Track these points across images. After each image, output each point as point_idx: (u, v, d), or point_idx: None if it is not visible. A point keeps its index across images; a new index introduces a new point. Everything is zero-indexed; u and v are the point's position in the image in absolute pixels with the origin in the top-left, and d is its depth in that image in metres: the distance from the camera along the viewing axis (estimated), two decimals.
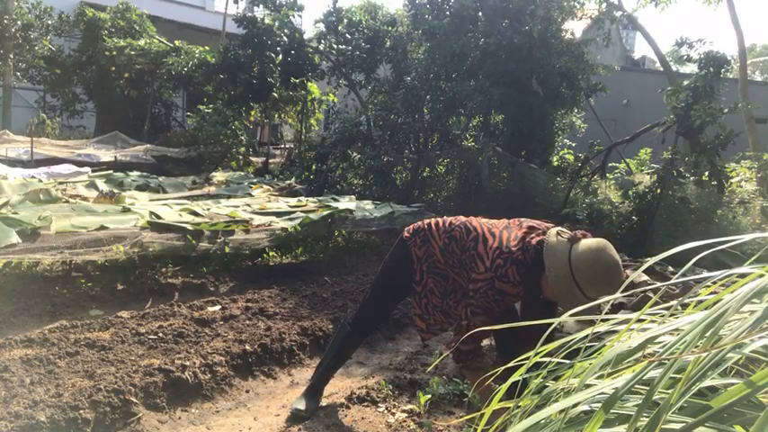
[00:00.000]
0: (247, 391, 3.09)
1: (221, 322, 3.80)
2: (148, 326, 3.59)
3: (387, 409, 2.92)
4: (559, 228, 2.31)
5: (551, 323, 1.02)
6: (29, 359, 2.94)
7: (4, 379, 2.71)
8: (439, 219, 2.68)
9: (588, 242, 2.15)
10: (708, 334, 0.74)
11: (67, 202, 5.43)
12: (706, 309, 0.86)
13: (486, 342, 3.81)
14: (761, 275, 0.84)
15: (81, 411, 2.46)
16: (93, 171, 7.99)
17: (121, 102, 14.18)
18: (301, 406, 2.78)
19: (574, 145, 11.14)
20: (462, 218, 2.61)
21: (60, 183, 6.36)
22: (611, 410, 0.80)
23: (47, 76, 14.34)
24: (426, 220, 2.71)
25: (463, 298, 2.54)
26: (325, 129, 15.48)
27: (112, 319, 3.71)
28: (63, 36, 14.82)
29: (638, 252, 6.54)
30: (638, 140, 9.30)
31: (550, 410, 0.83)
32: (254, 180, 8.88)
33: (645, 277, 4.36)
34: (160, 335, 3.44)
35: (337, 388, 3.13)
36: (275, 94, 12.11)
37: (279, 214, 5.72)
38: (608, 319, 1.04)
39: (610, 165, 9.38)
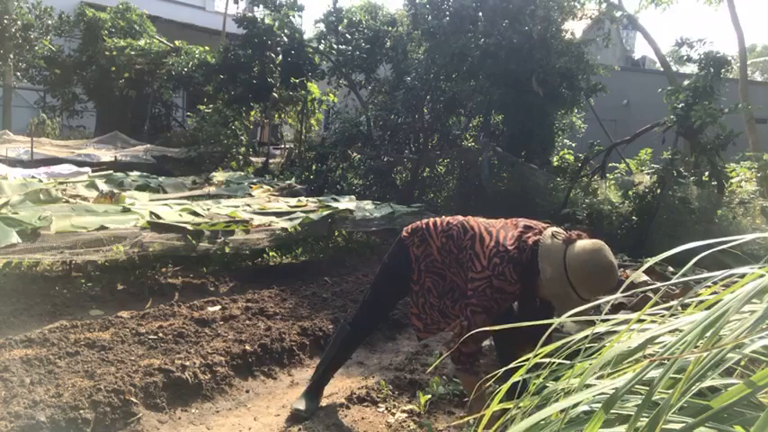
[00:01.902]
0: (247, 391, 3.10)
1: (221, 322, 3.80)
2: (148, 326, 3.59)
3: (387, 409, 2.92)
4: (555, 228, 2.31)
5: (550, 324, 1.02)
6: (29, 359, 2.94)
7: (4, 379, 2.71)
8: (437, 218, 2.69)
9: (583, 243, 2.15)
10: (708, 334, 0.74)
11: (67, 202, 5.42)
12: (706, 309, 0.86)
13: (486, 343, 3.81)
14: (761, 275, 0.84)
15: (81, 411, 2.46)
16: (93, 171, 7.99)
17: (121, 102, 14.16)
18: (301, 406, 2.78)
19: (574, 145, 11.13)
20: (460, 217, 2.61)
21: (60, 183, 6.36)
22: (612, 411, 0.80)
23: (47, 77, 14.33)
24: (425, 220, 2.72)
25: (460, 298, 2.54)
26: (325, 129, 15.47)
27: (112, 319, 3.71)
28: (63, 36, 14.81)
29: (638, 252, 6.54)
30: (638, 141, 9.29)
31: (550, 410, 0.83)
32: (254, 180, 8.87)
33: (645, 277, 4.36)
34: (160, 335, 3.44)
35: (337, 388, 3.13)
36: (275, 95, 12.11)
37: (279, 214, 5.72)
38: (608, 320, 1.04)
39: (610, 165, 9.37)
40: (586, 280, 2.10)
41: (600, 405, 0.78)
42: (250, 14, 12.49)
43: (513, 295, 2.32)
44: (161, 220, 4.59)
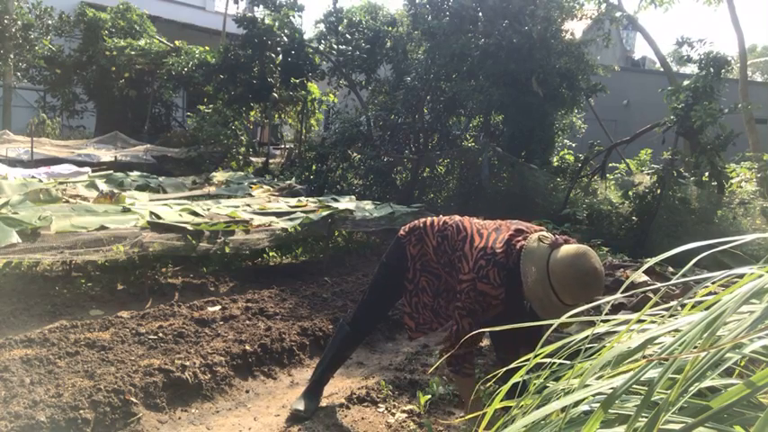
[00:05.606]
0: (247, 391, 3.10)
1: (221, 322, 3.80)
2: (148, 326, 3.59)
3: (387, 409, 2.92)
4: (542, 233, 2.29)
5: (545, 326, 1.03)
6: (29, 359, 2.94)
7: (4, 379, 2.71)
8: (435, 218, 2.69)
9: (568, 248, 2.12)
10: (706, 334, 0.74)
11: (67, 202, 5.42)
12: (706, 309, 0.86)
13: (485, 343, 3.81)
14: (760, 276, 0.84)
15: (81, 411, 2.46)
16: (93, 171, 7.98)
17: (121, 102, 14.17)
18: (301, 406, 2.78)
19: (574, 145, 11.14)
20: (457, 217, 2.61)
21: (60, 183, 6.35)
22: (611, 410, 0.80)
23: (47, 76, 14.33)
24: (422, 219, 2.72)
25: (454, 298, 2.54)
26: (325, 129, 15.46)
27: (112, 319, 3.71)
28: (63, 36, 14.80)
29: (638, 252, 6.54)
30: (638, 141, 9.30)
31: (550, 409, 0.83)
32: (254, 180, 8.87)
33: (645, 278, 4.36)
34: (160, 335, 3.44)
35: (337, 388, 3.13)
36: (275, 95, 12.10)
37: (279, 214, 5.72)
38: (608, 320, 1.04)
39: (610, 165, 9.38)
40: (568, 285, 2.06)
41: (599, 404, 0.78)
42: (250, 14, 12.49)
43: (498, 299, 2.28)
44: (161, 220, 4.59)
